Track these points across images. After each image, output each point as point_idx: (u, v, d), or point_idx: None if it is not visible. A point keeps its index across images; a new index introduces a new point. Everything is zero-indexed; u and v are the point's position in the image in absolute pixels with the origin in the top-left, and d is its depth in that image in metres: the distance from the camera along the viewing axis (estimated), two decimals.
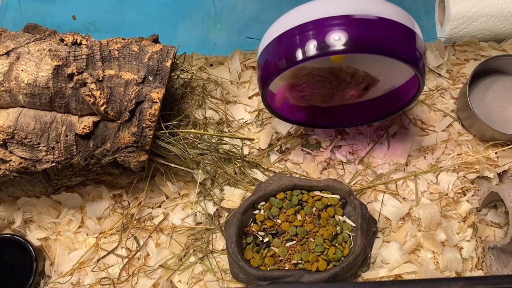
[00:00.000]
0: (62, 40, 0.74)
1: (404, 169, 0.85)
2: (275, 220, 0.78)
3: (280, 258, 0.76)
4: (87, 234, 0.82)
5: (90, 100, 0.69)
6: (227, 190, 0.82)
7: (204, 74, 0.92)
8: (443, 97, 0.90)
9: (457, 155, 0.85)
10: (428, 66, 0.91)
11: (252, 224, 0.78)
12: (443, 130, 0.87)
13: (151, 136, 0.72)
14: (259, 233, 0.78)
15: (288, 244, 0.76)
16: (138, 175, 0.79)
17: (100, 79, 0.71)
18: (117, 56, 0.73)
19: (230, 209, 0.82)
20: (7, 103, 0.71)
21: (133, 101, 0.71)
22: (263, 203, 0.79)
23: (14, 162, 0.70)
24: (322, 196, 0.79)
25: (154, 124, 0.72)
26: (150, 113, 0.71)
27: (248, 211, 0.78)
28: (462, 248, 0.79)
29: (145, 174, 0.80)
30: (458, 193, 0.83)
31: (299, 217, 0.78)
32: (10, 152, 0.70)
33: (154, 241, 0.81)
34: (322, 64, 0.74)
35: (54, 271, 0.81)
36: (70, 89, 0.70)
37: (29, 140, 0.69)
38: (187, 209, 0.83)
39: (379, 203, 0.82)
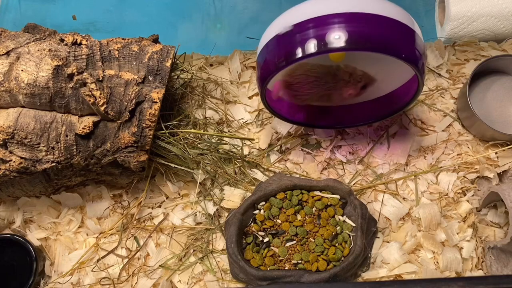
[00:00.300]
0: (62, 40, 0.74)
1: (404, 169, 0.85)
2: (275, 220, 0.78)
3: (280, 258, 0.76)
4: (87, 234, 0.82)
5: (90, 100, 0.69)
6: (227, 190, 0.82)
7: (204, 74, 0.92)
8: (443, 97, 0.90)
9: (457, 155, 0.85)
10: (428, 66, 0.91)
11: (252, 224, 0.78)
12: (443, 130, 0.87)
13: (151, 136, 0.72)
14: (259, 233, 0.78)
15: (288, 244, 0.76)
16: (138, 175, 0.79)
17: (100, 79, 0.71)
18: (117, 56, 0.73)
19: (230, 209, 0.82)
20: (7, 103, 0.71)
21: (133, 101, 0.71)
22: (263, 203, 0.79)
23: (14, 162, 0.70)
24: (322, 196, 0.79)
25: (154, 124, 0.72)
26: (150, 113, 0.71)
27: (248, 211, 0.78)
28: (462, 248, 0.79)
29: (145, 174, 0.80)
30: (458, 193, 0.83)
31: (299, 217, 0.78)
32: (10, 152, 0.70)
33: (154, 241, 0.81)
34: (320, 62, 0.73)
35: (54, 271, 0.81)
36: (70, 89, 0.70)
37: (29, 140, 0.69)
38: (187, 209, 0.83)
39: (379, 203, 0.82)
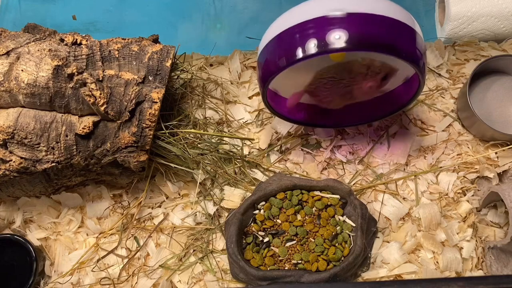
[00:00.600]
0: (62, 40, 0.74)
1: (404, 169, 0.85)
2: (275, 220, 0.78)
3: (280, 258, 0.76)
4: (87, 234, 0.82)
5: (90, 100, 0.69)
6: (227, 190, 0.82)
7: (204, 74, 0.92)
8: (443, 97, 0.90)
9: (457, 155, 0.85)
10: (428, 66, 0.91)
11: (252, 224, 0.78)
12: (443, 130, 0.87)
13: (151, 136, 0.72)
14: (259, 233, 0.78)
15: (288, 244, 0.76)
16: (138, 175, 0.79)
17: (100, 79, 0.71)
18: (117, 56, 0.73)
19: (230, 209, 0.82)
20: (7, 103, 0.71)
21: (133, 101, 0.71)
22: (263, 203, 0.79)
23: (14, 162, 0.70)
24: (322, 196, 0.79)
25: (154, 124, 0.72)
26: (150, 113, 0.71)
27: (248, 211, 0.78)
28: (462, 248, 0.79)
29: (145, 174, 0.80)
30: (458, 193, 0.83)
31: (299, 217, 0.78)
32: (10, 152, 0.70)
33: (154, 241, 0.81)
34: (329, 64, 0.73)
35: (54, 271, 0.80)
36: (70, 89, 0.70)
37: (29, 140, 0.69)
38: (187, 209, 0.83)
39: (379, 203, 0.82)
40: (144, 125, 0.71)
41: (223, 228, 0.81)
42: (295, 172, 0.85)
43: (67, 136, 0.71)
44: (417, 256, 0.79)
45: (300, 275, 0.73)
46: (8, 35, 0.74)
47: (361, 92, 0.76)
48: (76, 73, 0.70)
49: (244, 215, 0.77)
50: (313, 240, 0.76)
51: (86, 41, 0.74)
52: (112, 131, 0.72)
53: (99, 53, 0.73)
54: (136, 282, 0.79)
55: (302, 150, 0.86)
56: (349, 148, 0.86)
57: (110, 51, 0.73)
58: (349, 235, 0.76)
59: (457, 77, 0.91)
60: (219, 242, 0.81)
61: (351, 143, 0.87)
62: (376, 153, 0.86)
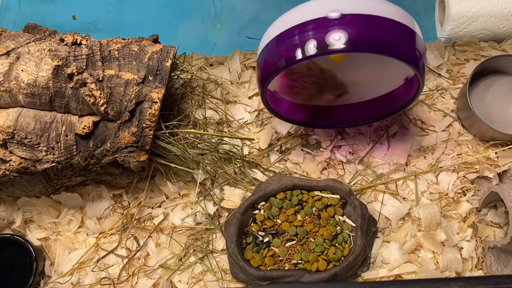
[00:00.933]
0: (62, 40, 0.74)
1: (404, 169, 0.85)
2: (275, 220, 0.78)
3: (280, 258, 0.76)
4: (87, 234, 0.82)
5: (90, 100, 0.69)
6: (227, 190, 0.82)
7: (204, 74, 0.92)
8: (443, 97, 0.90)
9: (457, 155, 0.85)
10: (428, 66, 0.91)
11: (252, 224, 0.78)
12: (443, 130, 0.87)
13: (151, 136, 0.72)
14: (259, 233, 0.78)
15: (288, 244, 0.76)
16: (138, 175, 0.79)
17: (100, 79, 0.71)
18: (117, 56, 0.73)
19: (230, 209, 0.82)
20: (7, 103, 0.71)
21: (133, 101, 0.71)
22: (263, 203, 0.79)
23: (14, 162, 0.70)
24: (322, 196, 0.79)
25: (154, 124, 0.72)
26: (150, 113, 0.71)
27: (248, 211, 0.78)
28: (462, 248, 0.79)
29: (145, 174, 0.80)
30: (458, 193, 0.83)
31: (299, 217, 0.78)
32: (10, 152, 0.70)
33: (154, 241, 0.81)
34: (324, 66, 0.74)
35: (54, 271, 0.81)
36: (70, 89, 0.70)
37: (29, 140, 0.69)
38: (187, 209, 0.83)
39: (379, 203, 0.82)
40: (144, 125, 0.71)
41: (223, 228, 0.81)
42: (295, 172, 0.85)
43: (67, 136, 0.71)
44: (417, 256, 0.79)
45: (300, 275, 0.73)
46: (8, 35, 0.74)
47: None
48: (76, 73, 0.70)
49: (244, 215, 0.77)
50: (313, 240, 0.76)
51: (86, 41, 0.74)
52: (112, 131, 0.72)
53: (99, 53, 0.73)
54: (136, 282, 0.79)
55: (302, 150, 0.86)
56: (349, 148, 0.86)
57: (110, 51, 0.73)
58: (349, 235, 0.76)
59: (457, 77, 0.91)
60: (219, 242, 0.81)
61: (351, 143, 0.87)
62: (376, 153, 0.86)
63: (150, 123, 0.71)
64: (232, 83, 0.92)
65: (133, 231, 0.82)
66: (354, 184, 0.84)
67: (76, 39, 0.74)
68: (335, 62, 0.74)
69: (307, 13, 0.63)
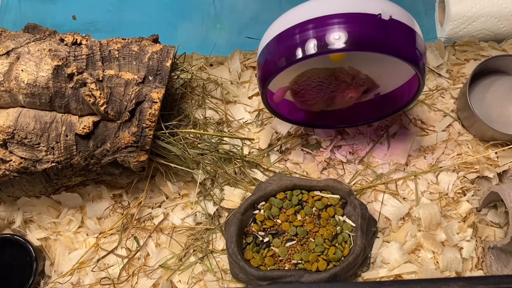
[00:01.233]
0: (62, 40, 0.74)
1: (404, 169, 0.85)
2: (275, 220, 0.78)
3: (280, 258, 0.76)
4: (87, 234, 0.82)
5: (90, 100, 0.69)
6: (227, 190, 0.82)
7: (204, 74, 0.92)
8: (443, 97, 0.90)
9: (457, 155, 0.85)
10: (428, 66, 0.91)
11: (252, 224, 0.78)
12: (443, 130, 0.87)
13: (151, 136, 0.72)
14: (259, 233, 0.78)
15: (288, 244, 0.76)
16: (138, 175, 0.79)
17: (100, 79, 0.71)
18: (117, 56, 0.73)
19: (230, 209, 0.82)
20: (7, 103, 0.71)
21: (133, 101, 0.71)
22: (263, 203, 0.79)
23: (14, 162, 0.70)
24: (322, 196, 0.79)
25: (154, 124, 0.72)
26: (150, 113, 0.71)
27: (248, 211, 0.78)
28: (462, 248, 0.79)
29: (145, 174, 0.80)
30: (458, 193, 0.83)
31: (299, 217, 0.78)
32: (10, 152, 0.70)
33: (154, 241, 0.81)
34: (323, 65, 0.74)
35: (54, 271, 0.81)
36: (70, 89, 0.70)
37: (29, 140, 0.69)
38: (187, 209, 0.83)
39: (379, 203, 0.82)
40: (144, 125, 0.71)
41: (223, 228, 0.81)
42: (295, 172, 0.85)
43: (67, 136, 0.71)
44: (417, 256, 0.79)
45: (300, 275, 0.73)
46: (8, 35, 0.74)
47: (342, 100, 0.77)
48: (76, 73, 0.70)
49: (244, 215, 0.77)
50: (313, 240, 0.76)
51: (86, 41, 0.74)
52: (112, 131, 0.72)
53: (99, 53, 0.73)
54: (136, 282, 0.79)
55: (302, 150, 0.86)
56: (349, 148, 0.86)
57: (110, 51, 0.73)
58: (349, 235, 0.76)
59: (457, 77, 0.91)
60: (219, 242, 0.81)
61: (351, 143, 0.87)
62: (376, 153, 0.86)
63: (150, 123, 0.71)
64: (232, 83, 0.92)
65: (133, 231, 0.82)
66: (354, 184, 0.84)
67: (76, 39, 0.74)
68: (335, 62, 0.73)
69: (307, 12, 0.63)
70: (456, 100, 0.89)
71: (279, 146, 0.87)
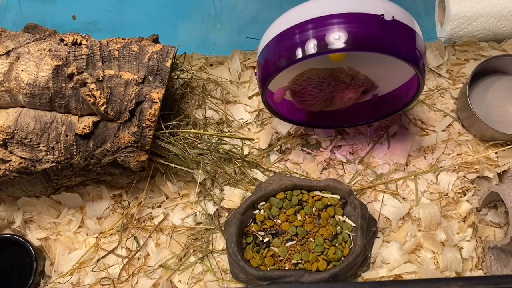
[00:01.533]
0: (62, 40, 0.74)
1: (404, 169, 0.85)
2: (275, 220, 0.78)
3: (280, 258, 0.76)
4: (87, 234, 0.82)
5: (90, 100, 0.69)
6: (227, 190, 0.82)
7: (204, 74, 0.92)
8: (443, 97, 0.90)
9: (457, 155, 0.85)
10: (428, 66, 0.91)
11: (252, 224, 0.78)
12: (443, 130, 0.87)
13: (151, 136, 0.72)
14: (259, 233, 0.78)
15: (288, 244, 0.76)
16: (138, 175, 0.79)
17: (100, 79, 0.71)
18: (117, 56, 0.73)
19: (230, 209, 0.82)
20: (7, 103, 0.71)
21: (133, 101, 0.71)
22: (263, 203, 0.79)
23: (14, 162, 0.70)
24: (322, 196, 0.79)
25: (154, 124, 0.72)
26: (150, 113, 0.71)
27: (248, 211, 0.78)
28: (462, 248, 0.79)
29: (145, 174, 0.80)
30: (458, 193, 0.83)
31: (299, 217, 0.78)
32: (10, 152, 0.70)
33: (154, 241, 0.81)
34: (322, 65, 0.74)
35: (54, 271, 0.81)
36: (70, 89, 0.70)
37: (29, 140, 0.69)
38: (187, 209, 0.83)
39: (379, 203, 0.82)
40: (144, 125, 0.71)
41: (223, 228, 0.81)
42: (295, 172, 0.85)
43: (67, 136, 0.71)
44: (417, 256, 0.79)
45: (300, 275, 0.73)
46: (8, 35, 0.74)
47: (341, 100, 0.77)
48: (76, 73, 0.70)
49: (244, 215, 0.77)
50: (313, 240, 0.76)
51: (86, 41, 0.74)
52: (112, 131, 0.72)
53: (99, 53, 0.73)
54: (136, 282, 0.79)
55: (302, 150, 0.86)
56: (349, 148, 0.86)
57: (110, 51, 0.73)
58: (349, 235, 0.76)
59: (457, 77, 0.91)
60: (219, 242, 0.81)
61: (351, 143, 0.87)
62: (376, 153, 0.86)
63: (150, 123, 0.71)
64: (232, 83, 0.92)
65: (133, 231, 0.82)
66: (354, 184, 0.84)
67: (76, 39, 0.74)
68: (335, 62, 0.73)
69: (307, 12, 0.63)
70: (456, 100, 0.89)
71: (279, 146, 0.87)
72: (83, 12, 1.03)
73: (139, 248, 0.81)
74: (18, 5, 1.05)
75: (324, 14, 0.61)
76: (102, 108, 0.69)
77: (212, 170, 0.82)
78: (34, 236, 0.81)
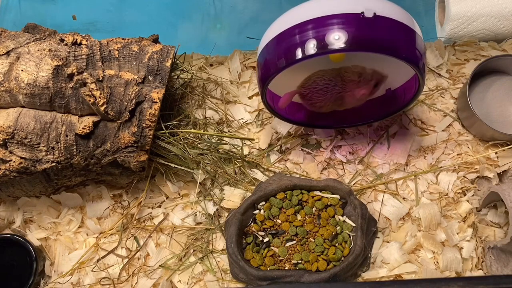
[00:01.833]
0: (62, 40, 0.74)
1: (404, 169, 0.85)
2: (275, 220, 0.78)
3: (280, 258, 0.76)
4: (87, 234, 0.82)
5: (90, 100, 0.69)
6: (227, 190, 0.82)
7: (204, 74, 0.92)
8: (443, 97, 0.90)
9: (457, 155, 0.85)
10: (428, 66, 0.91)
11: (252, 224, 0.78)
12: (443, 130, 0.87)
13: (151, 136, 0.72)
14: (259, 233, 0.78)
15: (288, 244, 0.76)
16: (138, 175, 0.79)
17: (100, 79, 0.71)
18: (117, 56, 0.74)
19: (230, 209, 0.82)
20: (7, 103, 0.71)
21: (133, 101, 0.71)
22: (263, 203, 0.79)
23: (14, 162, 0.70)
24: (322, 196, 0.79)
25: (154, 124, 0.72)
26: (150, 113, 0.71)
27: (248, 211, 0.78)
28: (462, 248, 0.79)
29: (145, 174, 0.80)
30: (458, 193, 0.83)
31: (299, 217, 0.78)
32: (10, 152, 0.70)
33: (154, 241, 0.81)
34: (326, 66, 0.73)
35: (54, 271, 0.81)
36: (70, 89, 0.70)
37: (29, 140, 0.69)
38: (187, 209, 0.83)
39: (379, 203, 0.82)
40: (144, 125, 0.71)
41: (223, 228, 0.81)
42: (295, 172, 0.85)
43: (67, 136, 0.71)
44: (417, 256, 0.79)
45: (300, 275, 0.73)
46: (8, 35, 0.74)
47: (353, 99, 0.76)
48: (76, 73, 0.70)
49: (244, 215, 0.77)
50: (313, 240, 0.76)
51: (86, 41, 0.74)
52: (112, 131, 0.72)
53: (99, 53, 0.73)
54: (136, 282, 0.79)
55: (302, 150, 0.86)
56: (349, 148, 0.86)
57: (110, 51, 0.73)
58: (349, 235, 0.76)
59: (457, 77, 0.91)
60: (219, 242, 0.81)
61: (351, 143, 0.87)
62: (376, 153, 0.86)
63: (150, 123, 0.71)
64: (232, 83, 0.92)
65: (133, 231, 0.82)
66: (354, 184, 0.84)
67: (76, 39, 0.74)
68: (334, 62, 0.73)
69: (307, 12, 0.63)
70: (456, 100, 0.89)
71: (279, 146, 0.87)
72: (83, 12, 1.03)
73: (139, 248, 0.81)
74: (18, 5, 1.05)
75: (324, 14, 0.61)
76: (102, 108, 0.69)
77: (212, 170, 0.82)
78: (34, 236, 0.81)
